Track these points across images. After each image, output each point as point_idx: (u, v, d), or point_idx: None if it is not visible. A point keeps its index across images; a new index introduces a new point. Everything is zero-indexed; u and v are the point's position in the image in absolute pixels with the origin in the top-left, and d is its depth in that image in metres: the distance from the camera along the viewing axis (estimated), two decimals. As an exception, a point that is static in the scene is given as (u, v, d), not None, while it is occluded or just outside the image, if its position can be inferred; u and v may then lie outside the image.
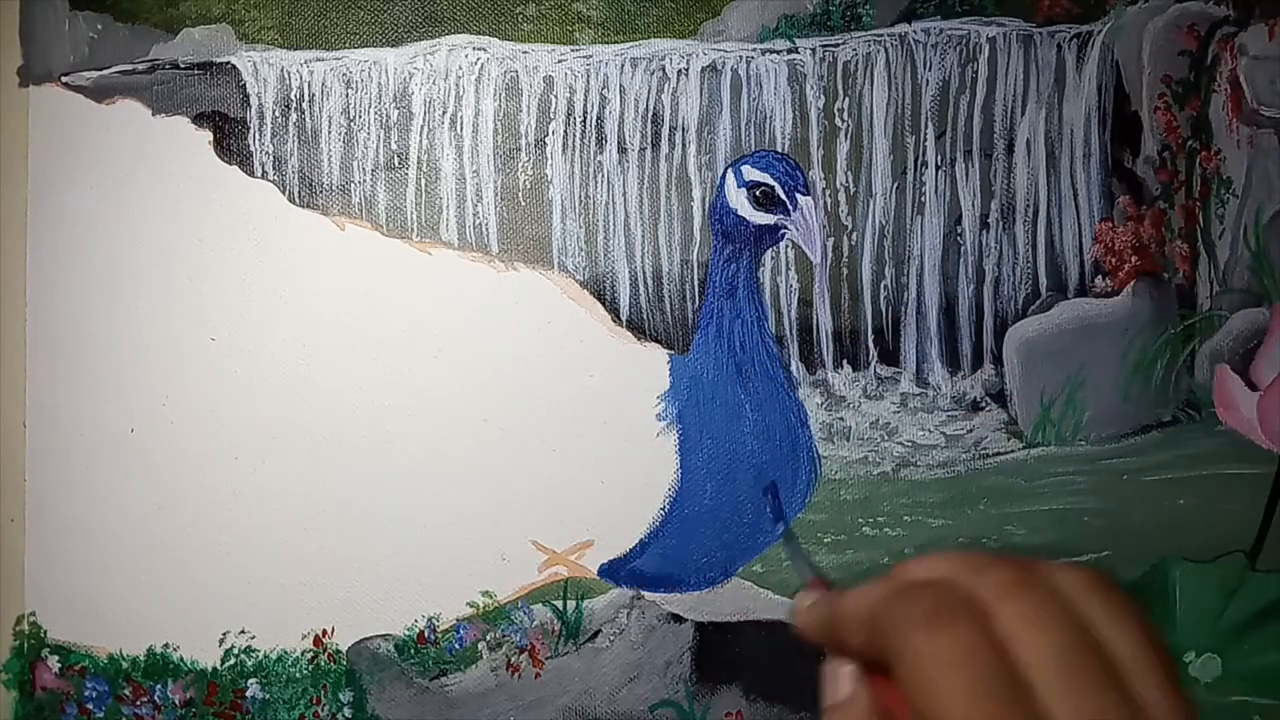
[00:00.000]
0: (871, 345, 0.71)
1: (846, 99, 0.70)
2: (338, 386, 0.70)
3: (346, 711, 0.69)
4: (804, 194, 0.68)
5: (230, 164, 0.70)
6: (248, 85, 0.70)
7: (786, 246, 0.69)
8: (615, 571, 0.69)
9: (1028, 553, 0.69)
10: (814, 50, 0.69)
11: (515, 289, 0.70)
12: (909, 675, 0.35)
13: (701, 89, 0.69)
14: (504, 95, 0.70)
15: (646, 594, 0.69)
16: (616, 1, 0.69)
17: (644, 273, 0.70)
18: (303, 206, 0.70)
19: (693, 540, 0.69)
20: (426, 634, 0.70)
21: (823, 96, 0.69)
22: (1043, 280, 0.70)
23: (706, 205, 0.70)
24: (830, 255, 0.70)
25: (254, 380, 0.70)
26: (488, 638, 0.70)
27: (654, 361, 0.70)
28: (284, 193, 0.70)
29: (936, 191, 0.70)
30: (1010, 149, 0.70)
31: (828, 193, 0.70)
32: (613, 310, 0.70)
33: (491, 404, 0.69)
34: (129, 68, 0.70)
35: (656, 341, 0.70)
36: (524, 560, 0.70)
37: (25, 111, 0.71)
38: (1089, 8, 0.69)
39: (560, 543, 0.70)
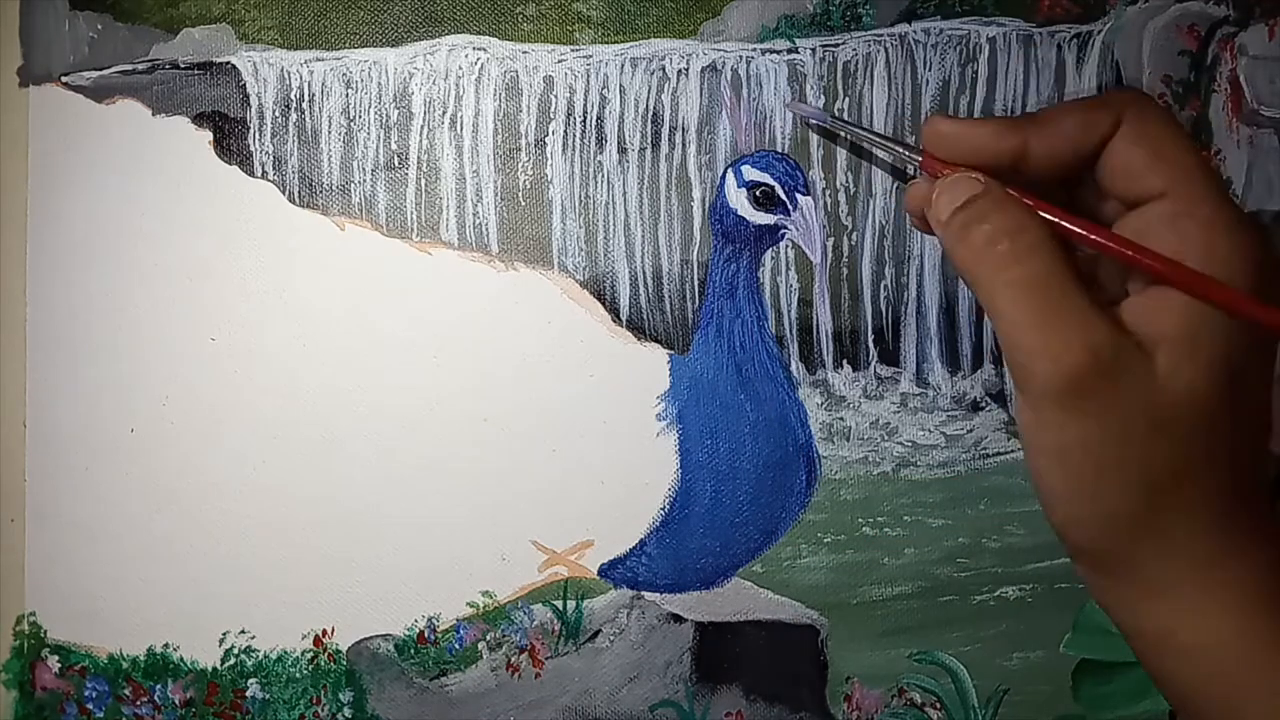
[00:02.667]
0: (871, 345, 0.71)
1: (846, 99, 0.70)
2: (338, 386, 0.70)
3: (346, 711, 0.69)
4: (804, 194, 0.68)
5: (230, 164, 0.70)
6: (248, 85, 0.70)
7: (786, 246, 0.69)
8: (615, 571, 0.69)
9: (1028, 553, 0.69)
10: (814, 50, 0.69)
11: (515, 289, 0.70)
12: (1143, 123, 0.44)
13: (701, 89, 0.69)
14: (504, 95, 0.70)
15: (646, 594, 0.69)
16: (616, 1, 0.69)
17: (644, 273, 0.70)
18: (303, 206, 0.70)
19: (693, 540, 0.69)
20: (426, 634, 0.70)
21: (823, 96, 0.69)
22: (1043, 280, 0.70)
23: (706, 205, 0.70)
24: (830, 255, 0.70)
25: (254, 380, 0.70)
26: (488, 638, 0.70)
27: (654, 361, 0.70)
28: (284, 193, 0.70)
29: (936, 191, 0.70)
30: (1010, 149, 0.70)
31: (828, 193, 0.70)
32: (613, 310, 0.70)
33: (491, 404, 0.69)
34: (129, 68, 0.70)
35: (656, 341, 0.70)
36: (524, 560, 0.70)
37: (25, 111, 0.71)
38: (1089, 8, 0.69)
39: (560, 543, 0.70)
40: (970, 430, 0.71)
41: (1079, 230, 0.43)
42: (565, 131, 0.70)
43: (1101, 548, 0.44)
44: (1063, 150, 0.45)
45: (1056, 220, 0.44)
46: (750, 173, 0.68)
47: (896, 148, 0.54)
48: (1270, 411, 0.45)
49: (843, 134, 0.67)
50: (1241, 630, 0.43)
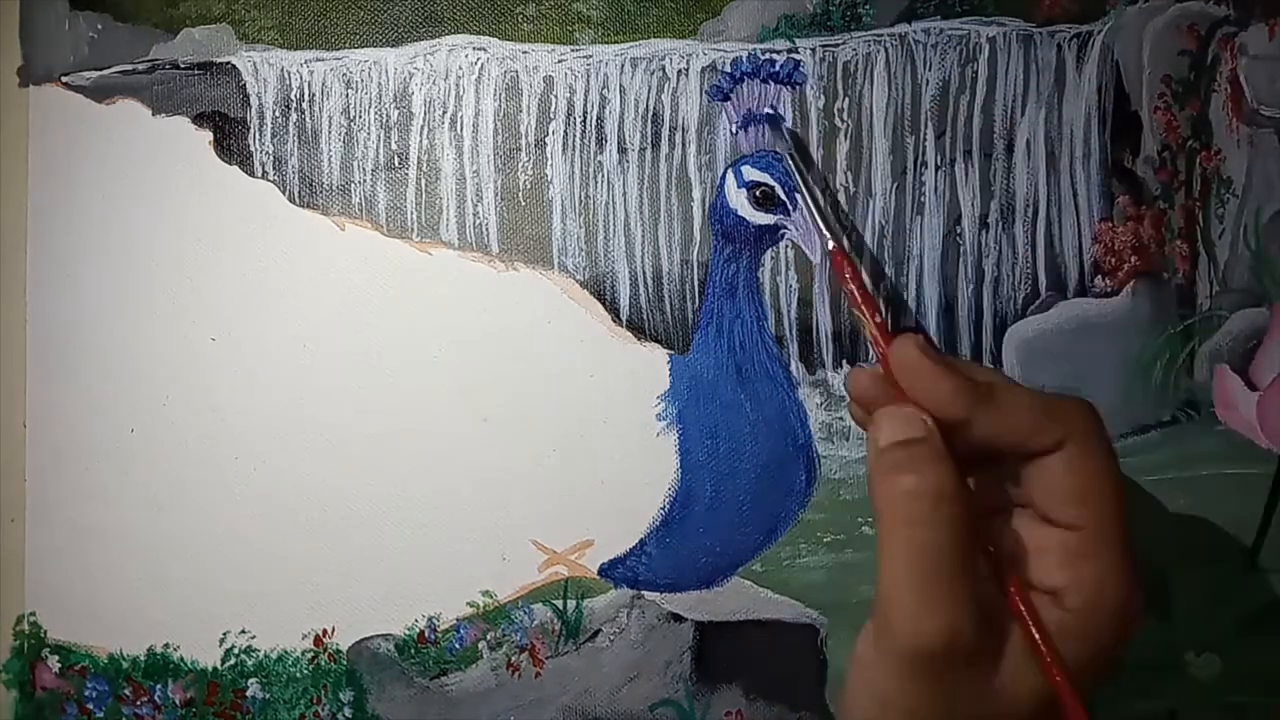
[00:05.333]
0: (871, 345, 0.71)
1: (846, 99, 0.70)
2: (338, 386, 0.70)
3: (347, 711, 0.69)
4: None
5: (230, 164, 0.70)
6: (248, 85, 0.70)
7: (786, 246, 0.69)
8: (615, 571, 0.70)
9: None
10: (814, 50, 0.69)
11: (515, 289, 0.70)
12: (1084, 458, 0.45)
13: (701, 89, 0.69)
14: (504, 95, 0.70)
15: (647, 593, 0.70)
16: (616, 1, 0.69)
17: (644, 273, 0.70)
18: (303, 206, 0.70)
19: (693, 540, 0.69)
20: (427, 634, 0.70)
21: (823, 96, 0.69)
22: (1042, 280, 0.70)
23: (706, 205, 0.70)
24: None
25: (254, 380, 0.70)
26: (488, 637, 0.70)
27: (654, 361, 0.70)
28: (284, 193, 0.70)
29: (936, 191, 0.70)
30: (1010, 149, 0.70)
31: (827, 193, 0.70)
32: (613, 310, 0.70)
33: (492, 404, 0.70)
34: (129, 68, 0.70)
35: (656, 341, 0.70)
36: (524, 560, 0.70)
37: (25, 111, 0.71)
38: (1089, 8, 0.69)
39: (560, 542, 0.70)
40: (970, 430, 0.71)
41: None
42: (565, 131, 0.70)
43: None
44: (1004, 442, 0.45)
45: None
46: (750, 173, 0.68)
47: (828, 235, 0.56)
48: None
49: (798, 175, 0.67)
50: None
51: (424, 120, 0.70)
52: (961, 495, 0.43)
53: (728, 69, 0.69)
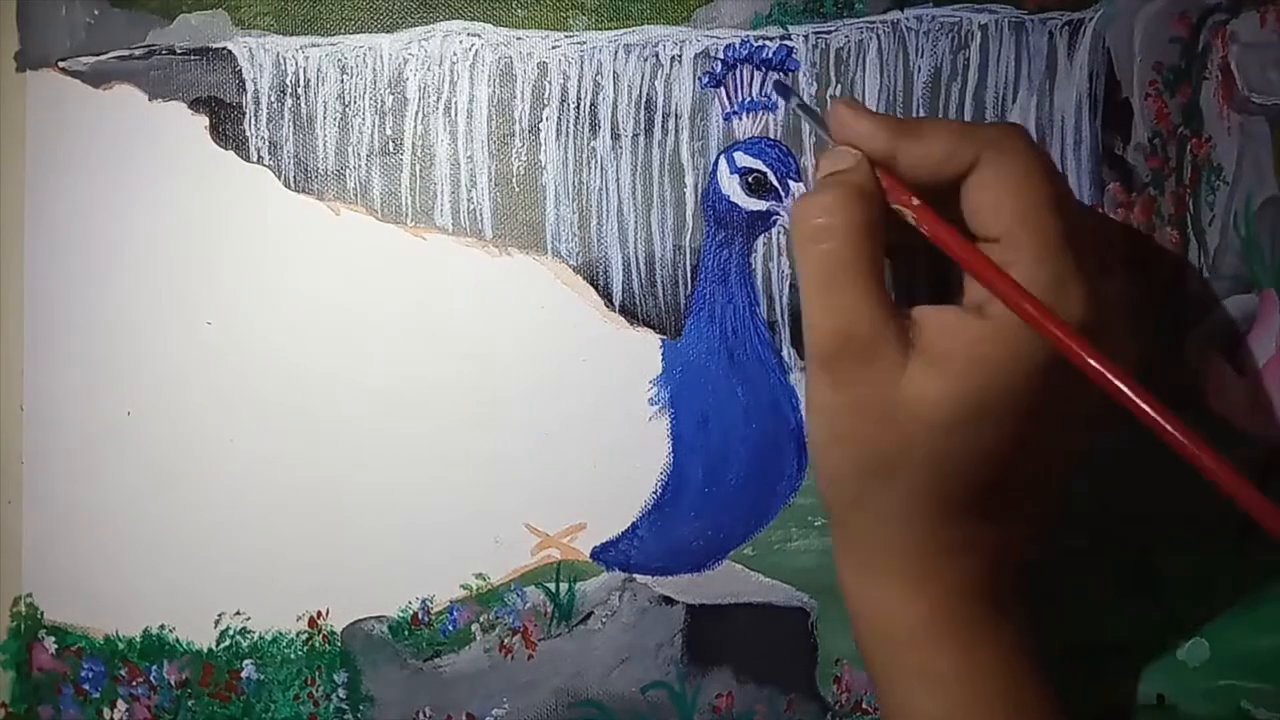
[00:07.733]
0: (863, 331, 0.71)
1: (839, 86, 0.70)
2: (332, 370, 0.70)
3: (341, 692, 0.70)
4: (796, 180, 0.68)
5: (226, 149, 0.71)
6: (244, 71, 0.71)
7: (778, 232, 0.70)
8: (608, 554, 0.70)
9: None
10: (806, 37, 0.70)
11: (509, 274, 0.70)
12: (997, 170, 0.47)
13: (694, 75, 0.70)
14: (498, 81, 0.70)
15: (639, 577, 0.70)
16: (610, -12, 0.70)
17: (637, 258, 0.70)
18: (298, 192, 0.71)
19: (685, 523, 0.69)
20: (420, 616, 0.70)
21: (815, 83, 0.70)
22: (1033, 266, 0.70)
23: (699, 191, 0.70)
24: (822, 241, 0.70)
25: (249, 364, 0.70)
26: (481, 619, 0.70)
27: (646, 346, 0.70)
28: (279, 178, 0.71)
29: (928, 178, 0.70)
30: (1001, 136, 0.70)
31: (819, 179, 0.70)
32: (605, 295, 0.70)
33: (485, 388, 0.70)
34: (126, 53, 0.71)
35: (649, 326, 0.70)
36: (517, 543, 0.70)
37: (22, 97, 0.71)
38: (1080, -5, 0.70)
39: (553, 526, 0.70)
40: (961, 415, 0.71)
41: (928, 228, 0.48)
42: (559, 117, 0.70)
43: (828, 500, 0.53)
44: (925, 170, 0.49)
45: (908, 210, 0.48)
46: (743, 159, 0.68)
47: (820, 129, 0.58)
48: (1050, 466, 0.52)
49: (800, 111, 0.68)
50: (893, 612, 0.50)
51: (418, 106, 0.70)
52: (864, 212, 0.47)
53: (720, 55, 0.69)
